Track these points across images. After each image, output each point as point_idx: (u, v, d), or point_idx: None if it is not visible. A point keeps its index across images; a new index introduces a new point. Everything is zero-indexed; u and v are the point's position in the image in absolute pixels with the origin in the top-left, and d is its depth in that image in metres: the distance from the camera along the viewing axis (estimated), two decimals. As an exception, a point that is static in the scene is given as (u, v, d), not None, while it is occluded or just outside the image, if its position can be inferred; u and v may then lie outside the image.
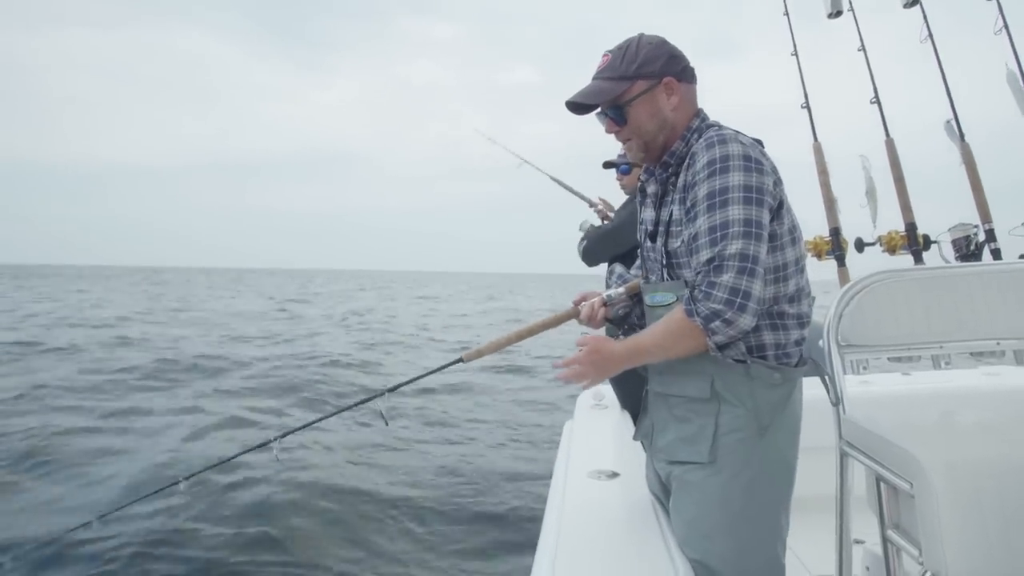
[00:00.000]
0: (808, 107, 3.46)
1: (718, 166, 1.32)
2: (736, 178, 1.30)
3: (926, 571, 1.20)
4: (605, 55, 1.49)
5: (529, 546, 1.58)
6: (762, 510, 1.39)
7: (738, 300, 1.26)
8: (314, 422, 2.48)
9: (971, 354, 1.97)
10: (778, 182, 1.37)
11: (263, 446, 2.13)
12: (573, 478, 1.92)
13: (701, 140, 1.39)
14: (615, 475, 1.92)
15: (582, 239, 3.04)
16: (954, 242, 2.99)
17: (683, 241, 1.40)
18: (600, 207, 3.23)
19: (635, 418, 2.76)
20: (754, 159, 1.33)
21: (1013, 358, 1.95)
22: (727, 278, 1.26)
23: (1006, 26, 3.01)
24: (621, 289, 1.67)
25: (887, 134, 3.29)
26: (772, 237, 1.35)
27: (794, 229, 1.41)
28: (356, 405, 2.13)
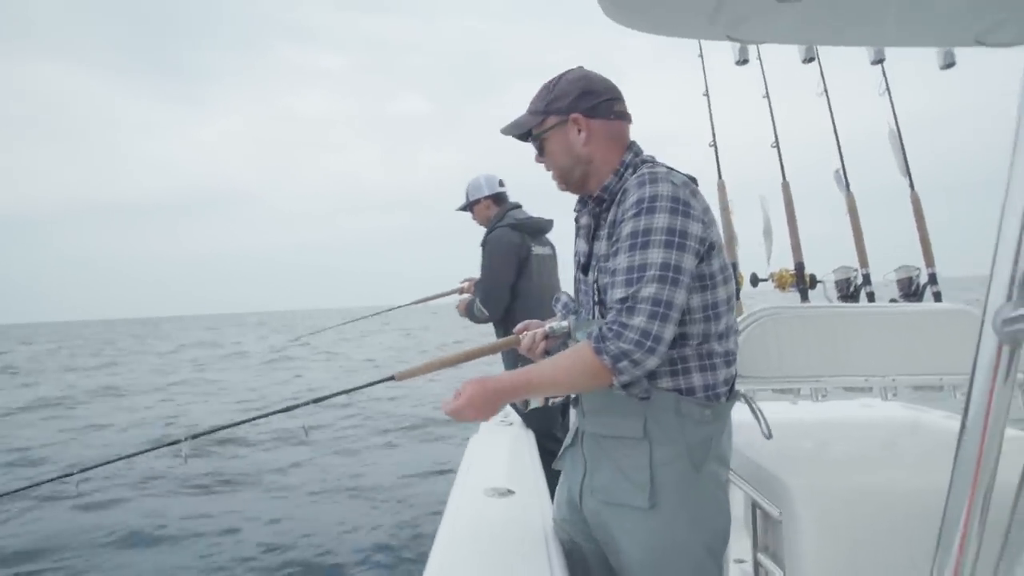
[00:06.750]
0: (715, 146, 3.65)
1: (645, 206, 1.31)
2: (661, 220, 1.30)
3: None
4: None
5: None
6: (705, 546, 1.39)
7: (648, 343, 1.26)
8: (225, 427, 2.22)
9: (844, 389, 2.13)
10: (709, 223, 1.37)
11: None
12: (469, 494, 1.92)
13: (634, 177, 1.39)
14: (510, 493, 1.92)
15: (474, 304, 3.18)
16: (837, 283, 3.24)
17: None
18: (467, 286, 3.50)
19: (539, 437, 2.80)
20: (682, 201, 1.32)
21: (879, 394, 2.12)
22: (639, 320, 1.26)
23: (888, 89, 3.32)
24: (565, 323, 1.61)
25: (784, 177, 3.53)
26: (703, 278, 1.36)
27: (724, 268, 1.42)
28: (280, 412, 2.01)
